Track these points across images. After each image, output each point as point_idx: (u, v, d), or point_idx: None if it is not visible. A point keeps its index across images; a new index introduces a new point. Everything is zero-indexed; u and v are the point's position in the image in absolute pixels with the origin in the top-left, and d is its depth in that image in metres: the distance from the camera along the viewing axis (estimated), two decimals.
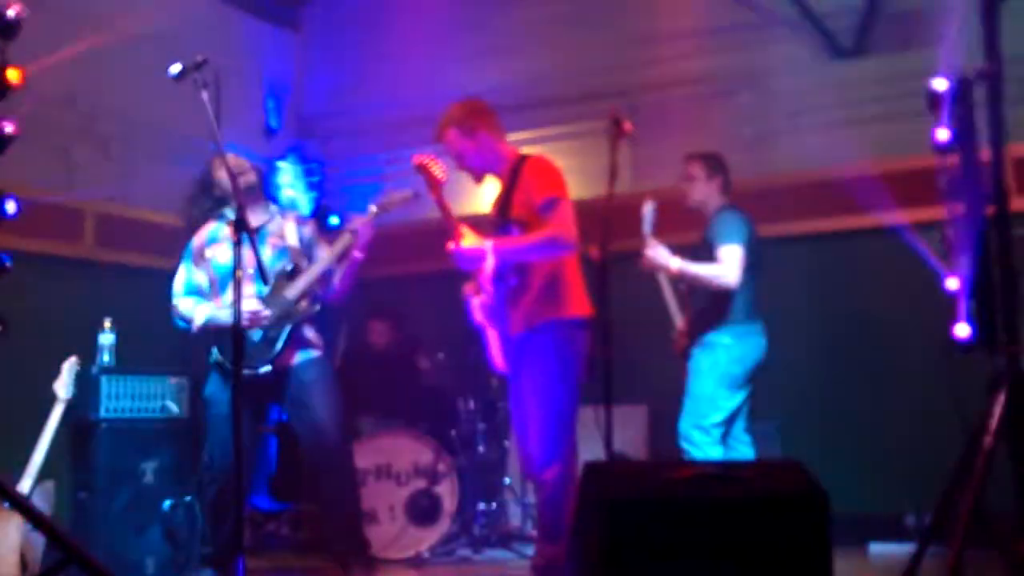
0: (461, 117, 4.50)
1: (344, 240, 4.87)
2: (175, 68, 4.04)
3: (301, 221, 5.07)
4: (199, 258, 4.98)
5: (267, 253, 4.85)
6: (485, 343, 4.54)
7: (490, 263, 4.30)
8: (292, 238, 4.96)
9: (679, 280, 5.15)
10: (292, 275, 4.85)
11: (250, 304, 4.69)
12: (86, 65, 6.58)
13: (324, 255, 4.93)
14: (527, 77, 7.66)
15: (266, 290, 4.74)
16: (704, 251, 5.09)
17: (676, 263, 5.01)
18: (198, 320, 4.84)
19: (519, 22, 7.86)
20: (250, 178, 4.88)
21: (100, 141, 7.03)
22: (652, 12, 7.26)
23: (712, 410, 5.02)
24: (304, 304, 4.85)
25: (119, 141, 7.11)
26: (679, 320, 5.27)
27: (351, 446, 5.19)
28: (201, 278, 4.97)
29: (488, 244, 4.29)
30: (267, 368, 4.78)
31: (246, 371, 4.60)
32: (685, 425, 5.06)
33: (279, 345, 4.80)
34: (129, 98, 7.04)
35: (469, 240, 4.31)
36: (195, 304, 4.91)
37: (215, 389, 4.91)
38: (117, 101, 7.03)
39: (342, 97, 8.47)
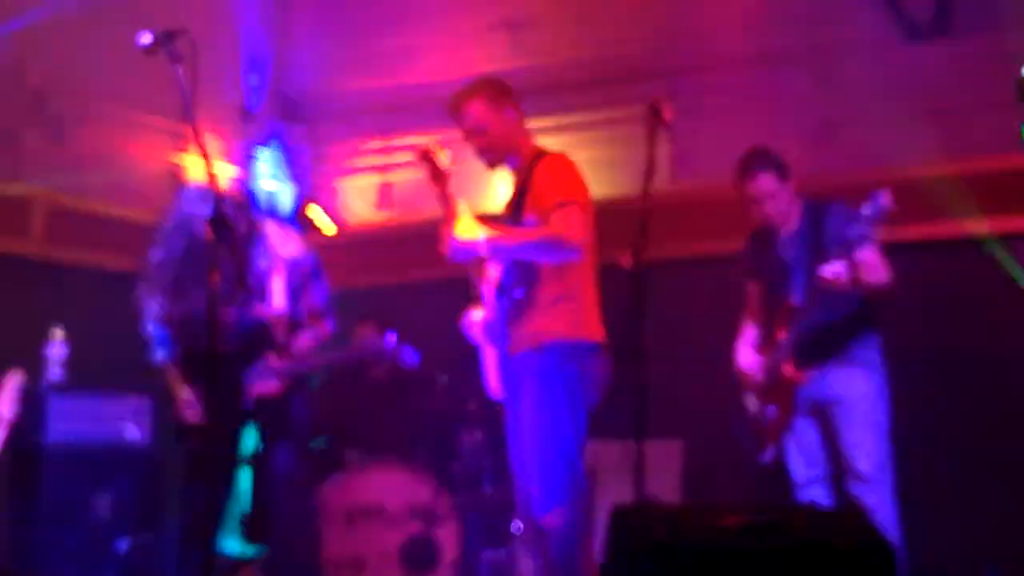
0: (490, 91, 4.60)
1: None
2: (145, 38, 4.06)
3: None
4: None
5: None
6: (481, 365, 4.58)
7: (482, 250, 4.32)
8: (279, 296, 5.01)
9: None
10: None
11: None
12: (36, 35, 6.63)
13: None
14: (548, 54, 7.69)
15: None
16: (814, 253, 5.00)
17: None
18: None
19: None
20: None
21: (53, 123, 7.09)
22: None
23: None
24: None
25: (75, 123, 7.17)
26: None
27: (312, 482, 5.24)
28: None
29: (482, 235, 4.32)
30: None
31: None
32: (874, 464, 4.98)
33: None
34: (86, 74, 7.10)
35: (464, 227, 4.33)
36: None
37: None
38: (73, 77, 7.08)
39: (332, 74, 8.52)
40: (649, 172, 4.21)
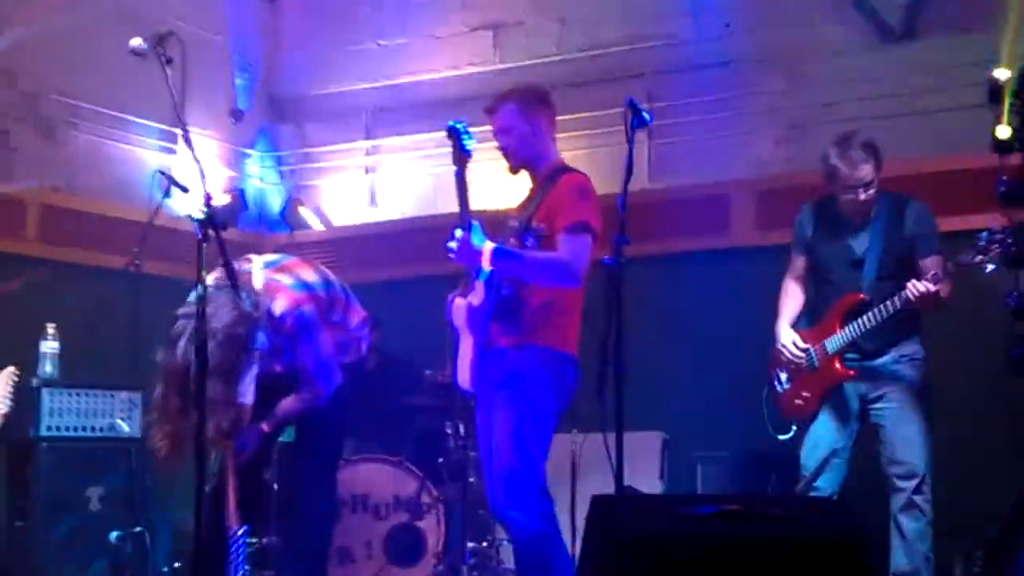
0: (526, 97, 4.64)
1: None
2: (135, 41, 4.04)
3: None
4: None
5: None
6: (455, 352, 4.59)
7: (485, 264, 4.35)
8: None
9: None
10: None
11: None
12: (29, 37, 6.64)
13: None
14: (529, 56, 7.73)
15: None
16: (889, 252, 5.02)
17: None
18: None
19: None
20: None
21: (44, 124, 7.11)
22: None
23: None
24: None
25: (66, 124, 7.19)
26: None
27: (334, 471, 5.28)
28: None
29: (488, 247, 4.36)
30: None
31: None
32: (924, 459, 5.00)
33: None
34: (77, 75, 7.13)
35: (477, 235, 4.36)
36: None
37: None
38: (63, 79, 7.11)
39: (321, 76, 8.54)
40: (628, 172, 4.24)
